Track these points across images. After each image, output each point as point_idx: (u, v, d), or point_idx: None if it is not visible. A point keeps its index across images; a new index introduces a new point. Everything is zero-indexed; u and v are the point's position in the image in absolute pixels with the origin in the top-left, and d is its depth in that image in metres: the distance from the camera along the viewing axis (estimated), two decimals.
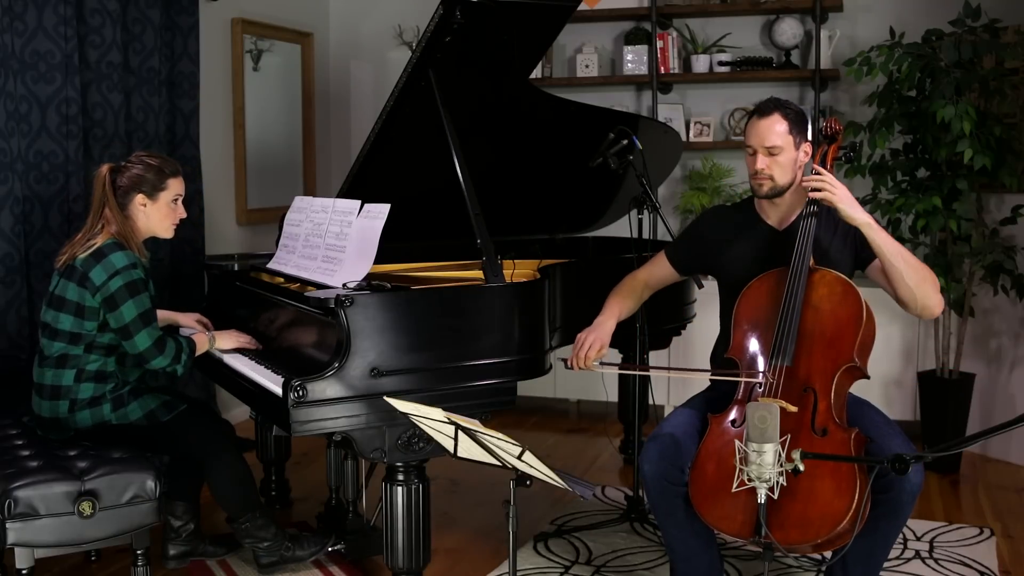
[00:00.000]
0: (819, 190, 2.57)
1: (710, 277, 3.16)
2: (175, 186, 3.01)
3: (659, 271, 3.05)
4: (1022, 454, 4.38)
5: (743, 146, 2.77)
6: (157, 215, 2.99)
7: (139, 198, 2.96)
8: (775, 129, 2.67)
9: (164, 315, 3.36)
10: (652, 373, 2.73)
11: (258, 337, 3.21)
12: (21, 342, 3.55)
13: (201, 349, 3.07)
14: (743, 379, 2.62)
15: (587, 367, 2.82)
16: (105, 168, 2.96)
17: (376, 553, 3.25)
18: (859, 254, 2.71)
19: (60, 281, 2.92)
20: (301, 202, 3.36)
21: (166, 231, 3.05)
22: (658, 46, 5.11)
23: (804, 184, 2.63)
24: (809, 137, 2.76)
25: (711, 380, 2.82)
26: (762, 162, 2.69)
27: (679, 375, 2.80)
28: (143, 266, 2.92)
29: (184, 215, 3.08)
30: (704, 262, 2.99)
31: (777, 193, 2.73)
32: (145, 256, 2.97)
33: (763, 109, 2.71)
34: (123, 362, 2.98)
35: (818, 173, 2.60)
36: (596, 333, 2.86)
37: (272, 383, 2.74)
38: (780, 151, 2.68)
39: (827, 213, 2.68)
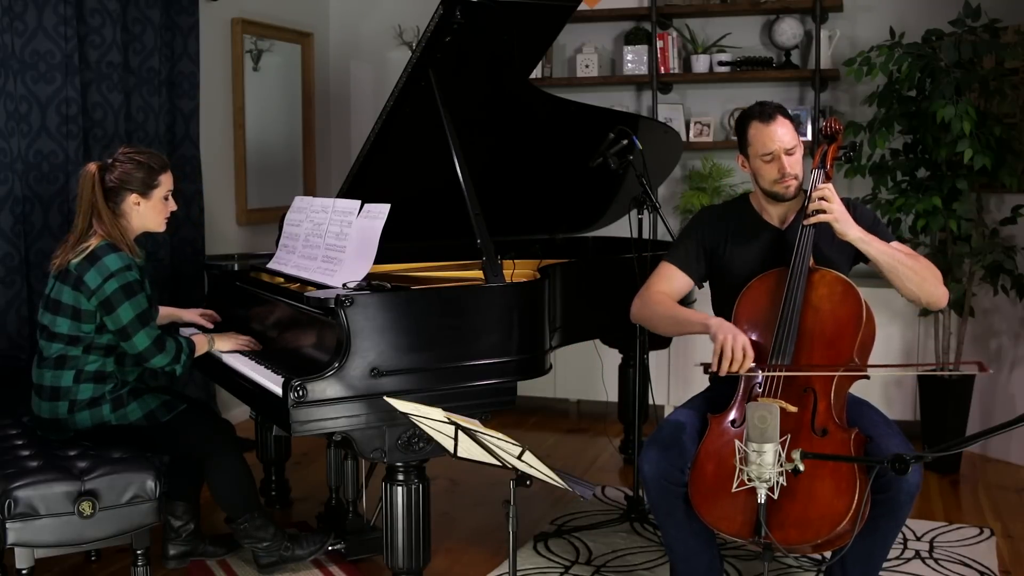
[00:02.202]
0: (818, 211, 2.60)
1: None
2: (166, 181, 2.99)
3: (678, 284, 2.89)
4: (1022, 454, 4.38)
5: (749, 153, 2.75)
6: (151, 212, 2.98)
7: (132, 197, 2.93)
8: (787, 129, 2.70)
9: (167, 312, 3.36)
10: (795, 373, 2.55)
11: (258, 337, 3.21)
12: (21, 342, 3.55)
13: (200, 350, 3.07)
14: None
15: (741, 373, 2.56)
16: (93, 167, 2.93)
17: (376, 553, 3.25)
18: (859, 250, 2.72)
19: (55, 284, 2.91)
20: (301, 202, 3.36)
21: (159, 226, 3.03)
22: (658, 46, 5.11)
23: (808, 208, 2.65)
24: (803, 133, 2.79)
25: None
26: (788, 163, 2.70)
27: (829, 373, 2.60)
28: (138, 266, 2.91)
29: (175, 208, 3.06)
30: (710, 265, 2.92)
31: (799, 191, 2.75)
32: (139, 255, 2.95)
33: (764, 114, 2.71)
34: (122, 362, 2.98)
35: (819, 186, 2.65)
36: (741, 334, 2.55)
37: (272, 383, 2.74)
38: (796, 149, 2.72)
39: None
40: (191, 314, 3.41)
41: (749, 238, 2.84)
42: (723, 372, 2.52)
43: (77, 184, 2.88)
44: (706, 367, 2.56)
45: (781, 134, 2.69)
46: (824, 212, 2.60)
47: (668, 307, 2.82)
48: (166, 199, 3.01)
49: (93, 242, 2.87)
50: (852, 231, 2.61)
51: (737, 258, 2.83)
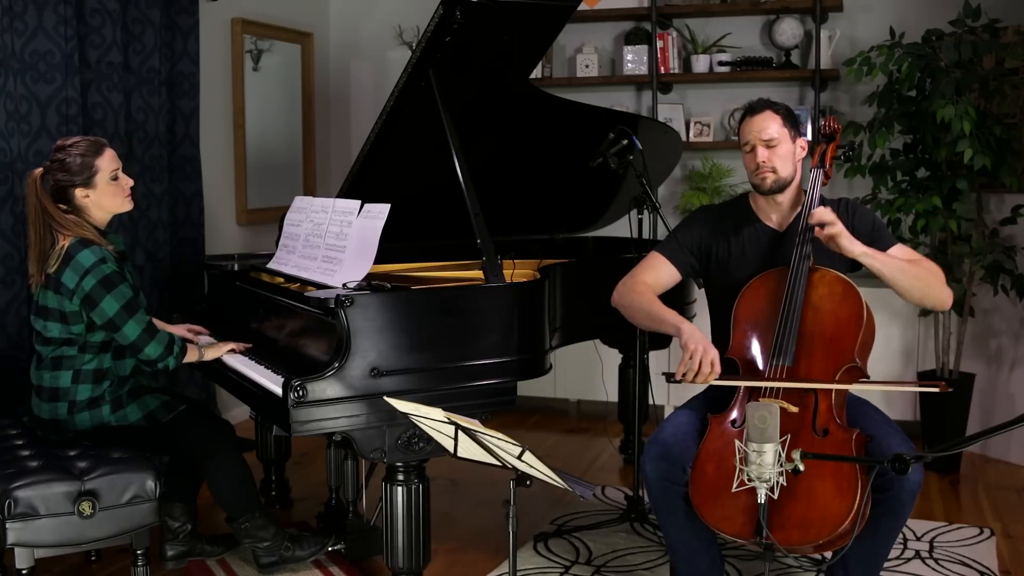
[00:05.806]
0: (822, 225, 2.59)
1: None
2: (106, 163, 2.91)
3: (664, 276, 2.89)
4: (1022, 454, 4.38)
5: (740, 147, 2.79)
6: (104, 198, 2.92)
7: (79, 192, 2.88)
8: (769, 122, 2.70)
9: (157, 325, 3.33)
10: (762, 384, 2.56)
11: (258, 337, 3.21)
12: (21, 342, 3.55)
13: (190, 359, 3.03)
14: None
15: (706, 382, 2.56)
16: (37, 173, 2.89)
17: (376, 553, 3.25)
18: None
19: (40, 290, 2.89)
20: (301, 202, 3.36)
21: (121, 206, 2.97)
22: (658, 46, 5.11)
23: (810, 221, 2.64)
24: (803, 133, 2.78)
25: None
26: (763, 154, 2.70)
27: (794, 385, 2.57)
28: (113, 258, 2.87)
29: (131, 182, 2.99)
30: (703, 263, 2.92)
31: (780, 187, 2.73)
32: (109, 246, 2.90)
33: (753, 108, 2.75)
34: (122, 355, 2.96)
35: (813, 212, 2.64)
36: (712, 348, 2.55)
37: (272, 383, 2.74)
38: (777, 142, 2.70)
39: None
40: (179, 329, 3.38)
41: (747, 239, 2.83)
42: (687, 381, 2.54)
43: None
44: (669, 376, 2.57)
45: (761, 125, 2.70)
46: (829, 229, 2.57)
47: (647, 300, 2.79)
48: (115, 179, 2.93)
49: (65, 243, 2.84)
50: (856, 247, 2.59)
51: (734, 259, 2.83)
